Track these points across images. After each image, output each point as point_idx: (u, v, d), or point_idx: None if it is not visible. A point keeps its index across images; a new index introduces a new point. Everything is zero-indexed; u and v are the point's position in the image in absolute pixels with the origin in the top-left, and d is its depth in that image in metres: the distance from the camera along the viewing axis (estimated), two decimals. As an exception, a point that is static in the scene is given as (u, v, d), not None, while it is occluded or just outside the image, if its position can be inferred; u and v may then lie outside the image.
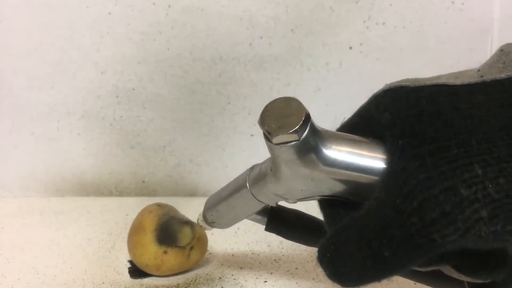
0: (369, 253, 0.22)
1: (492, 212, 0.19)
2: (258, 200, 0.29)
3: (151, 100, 0.58)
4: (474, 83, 0.23)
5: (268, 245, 0.47)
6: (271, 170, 0.26)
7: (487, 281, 0.24)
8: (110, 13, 0.54)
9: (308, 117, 0.23)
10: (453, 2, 0.54)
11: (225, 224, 0.35)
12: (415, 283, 0.39)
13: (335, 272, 0.24)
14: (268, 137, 0.23)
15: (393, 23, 0.55)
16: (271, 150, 0.24)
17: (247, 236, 0.49)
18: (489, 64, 0.25)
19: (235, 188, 0.31)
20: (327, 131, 0.24)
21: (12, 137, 0.59)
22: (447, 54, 0.56)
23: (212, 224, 0.35)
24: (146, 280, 0.40)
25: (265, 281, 0.40)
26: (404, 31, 0.55)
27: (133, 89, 0.57)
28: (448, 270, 0.24)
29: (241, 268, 0.42)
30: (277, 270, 0.42)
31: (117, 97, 0.57)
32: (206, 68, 0.56)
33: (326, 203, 0.27)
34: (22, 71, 0.57)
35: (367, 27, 0.55)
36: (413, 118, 0.22)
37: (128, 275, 0.41)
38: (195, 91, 0.57)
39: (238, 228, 0.51)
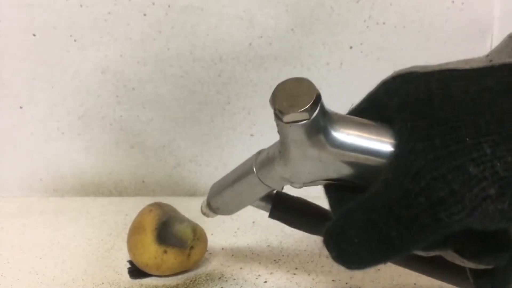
0: (375, 234, 0.22)
1: (500, 190, 0.19)
2: (264, 184, 0.29)
3: (151, 100, 0.58)
4: (483, 67, 0.23)
5: (268, 245, 0.47)
6: (279, 152, 0.26)
7: (489, 267, 0.24)
8: (110, 13, 0.54)
9: (319, 97, 0.23)
10: (453, 2, 0.54)
11: (230, 210, 0.35)
12: (415, 284, 0.39)
13: (341, 254, 0.24)
14: (278, 116, 0.23)
15: (393, 23, 0.55)
16: (281, 129, 0.24)
17: (247, 236, 0.49)
18: (498, 50, 0.25)
19: (242, 173, 0.31)
20: (336, 114, 0.25)
21: (12, 137, 0.59)
22: (447, 54, 0.56)
23: (216, 211, 0.35)
24: (146, 280, 0.40)
25: (265, 281, 0.40)
26: (404, 31, 0.55)
27: (133, 89, 0.57)
28: (451, 256, 0.24)
29: (241, 268, 0.42)
30: (277, 270, 0.42)
31: (117, 97, 0.57)
32: (206, 68, 0.56)
33: (331, 187, 0.27)
34: (22, 71, 0.57)
35: (368, 27, 0.55)
36: (422, 101, 0.22)
37: (128, 275, 0.41)
38: (195, 91, 0.57)
39: (238, 228, 0.51)
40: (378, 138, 0.24)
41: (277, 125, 0.24)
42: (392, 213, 0.21)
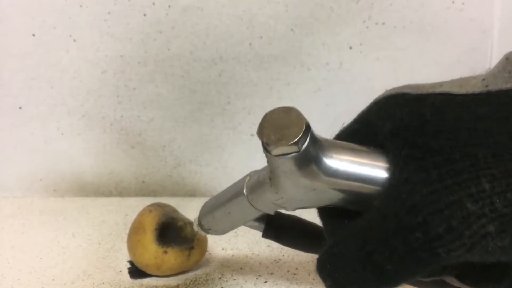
0: (369, 265, 0.21)
1: (500, 227, 0.19)
2: (255, 208, 0.29)
3: (152, 100, 0.58)
4: (479, 93, 0.23)
5: (268, 246, 0.47)
6: (270, 179, 0.26)
7: None
8: (109, 13, 0.54)
9: (308, 128, 0.22)
10: (453, 2, 0.54)
11: (221, 231, 0.34)
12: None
13: (334, 283, 0.24)
14: (267, 148, 0.22)
15: (393, 23, 0.55)
16: (270, 161, 0.23)
17: (247, 236, 0.49)
18: (495, 73, 0.24)
19: (232, 195, 0.30)
20: (327, 140, 0.24)
21: (12, 137, 0.59)
22: (447, 54, 0.56)
23: (208, 231, 0.34)
24: (146, 280, 0.40)
25: (265, 282, 0.40)
26: (404, 31, 0.55)
27: (134, 89, 0.57)
28: (450, 280, 0.24)
29: (241, 268, 0.42)
30: (277, 271, 0.42)
31: (117, 97, 0.57)
32: (206, 68, 0.56)
33: (325, 211, 0.26)
34: (22, 71, 0.57)
35: (367, 27, 0.55)
36: (416, 128, 0.22)
37: (128, 275, 0.41)
38: (195, 91, 0.57)
39: (238, 229, 0.51)
40: (372, 163, 0.23)
41: (266, 156, 0.23)
42: (387, 245, 0.21)
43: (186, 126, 0.59)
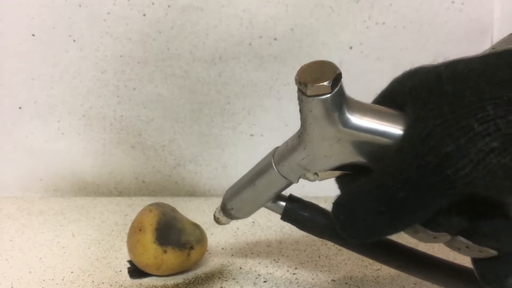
0: (383, 196, 0.24)
1: (503, 145, 0.21)
2: (281, 174, 0.31)
3: (151, 100, 0.58)
4: (487, 53, 0.26)
5: (268, 245, 0.47)
6: (298, 137, 0.28)
7: (493, 254, 0.26)
8: (109, 13, 0.54)
9: (340, 76, 0.25)
10: (453, 2, 0.54)
11: (245, 210, 0.35)
12: (415, 284, 0.39)
13: (348, 221, 0.26)
14: (302, 90, 0.25)
15: (393, 23, 0.55)
16: (303, 106, 0.26)
17: (247, 236, 0.49)
18: (505, 40, 0.28)
19: (259, 168, 0.32)
20: (352, 98, 0.27)
21: (12, 137, 0.59)
22: (447, 54, 0.56)
23: (230, 212, 0.35)
24: (146, 280, 0.40)
25: (265, 281, 0.40)
26: (404, 31, 0.55)
27: (134, 89, 0.57)
28: (457, 243, 0.26)
29: (240, 268, 0.42)
30: (277, 270, 0.42)
31: (117, 97, 0.57)
32: (206, 68, 0.56)
33: (344, 180, 0.29)
34: (22, 71, 0.57)
35: (367, 27, 0.55)
36: (432, 81, 0.24)
37: (128, 275, 0.41)
38: (195, 91, 0.57)
39: (238, 228, 0.51)
40: (391, 118, 0.25)
41: (300, 101, 0.26)
42: (401, 176, 0.23)
43: (186, 126, 0.59)
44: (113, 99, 0.58)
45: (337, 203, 0.27)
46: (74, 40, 0.56)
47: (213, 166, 0.60)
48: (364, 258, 0.44)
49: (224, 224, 0.37)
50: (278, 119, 0.57)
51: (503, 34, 0.30)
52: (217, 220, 0.37)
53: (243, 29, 0.55)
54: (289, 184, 0.32)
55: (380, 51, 0.56)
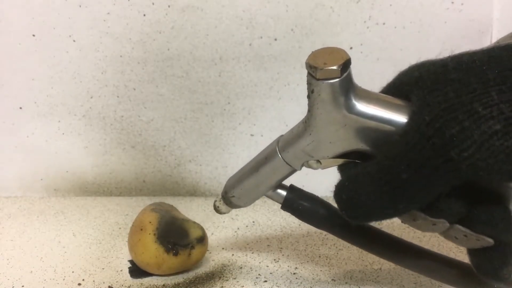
0: (387, 178, 0.24)
1: (505, 128, 0.22)
2: (285, 161, 0.31)
3: (152, 100, 0.58)
4: (492, 46, 0.26)
5: (268, 245, 0.47)
6: (304, 122, 0.29)
7: (490, 244, 0.26)
8: (109, 13, 0.55)
9: (349, 62, 0.26)
10: (452, 3, 0.54)
11: (247, 199, 0.35)
12: (415, 284, 0.39)
13: (351, 201, 0.26)
14: (312, 74, 0.26)
15: (393, 23, 0.55)
16: (312, 89, 0.26)
17: (247, 236, 0.49)
18: (510, 35, 0.29)
19: (263, 156, 0.33)
20: (359, 86, 0.27)
21: (13, 137, 0.59)
22: (447, 54, 0.56)
23: (231, 200, 0.36)
24: (146, 280, 0.40)
25: (265, 281, 0.40)
26: (404, 31, 0.55)
27: (134, 89, 0.57)
28: (455, 231, 0.26)
29: (241, 267, 0.42)
30: (277, 270, 0.42)
31: (117, 97, 0.58)
32: (206, 68, 0.56)
33: (347, 168, 0.29)
34: (22, 71, 0.57)
35: (368, 27, 0.55)
36: (439, 71, 0.25)
37: (129, 275, 0.41)
38: (195, 91, 0.57)
39: (238, 228, 0.51)
40: (397, 108, 0.26)
41: (309, 85, 0.26)
42: (405, 158, 0.24)
43: (186, 126, 0.59)
44: (113, 99, 0.58)
45: (340, 184, 0.27)
46: (74, 40, 0.56)
47: (213, 166, 0.60)
48: (364, 258, 0.44)
49: (224, 213, 0.38)
50: (278, 119, 0.57)
51: (503, 34, 0.30)
52: (217, 209, 0.38)
53: (243, 29, 0.55)
54: (292, 171, 0.32)
55: (380, 51, 0.56)
